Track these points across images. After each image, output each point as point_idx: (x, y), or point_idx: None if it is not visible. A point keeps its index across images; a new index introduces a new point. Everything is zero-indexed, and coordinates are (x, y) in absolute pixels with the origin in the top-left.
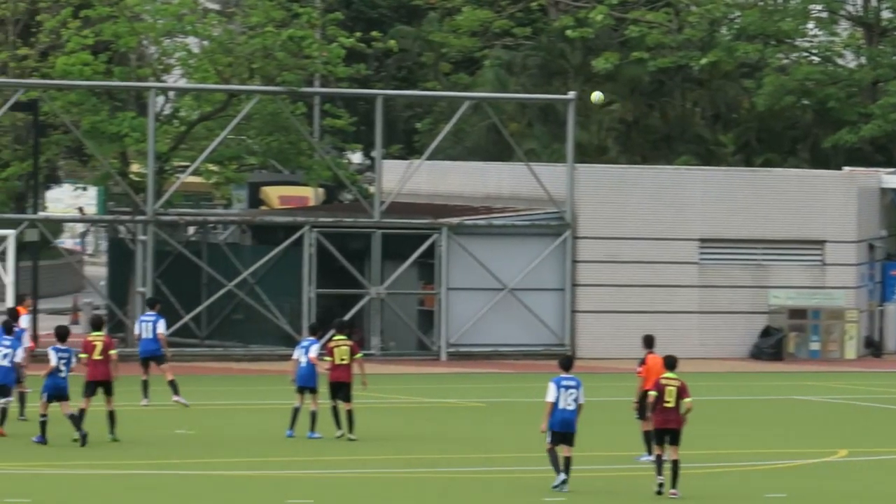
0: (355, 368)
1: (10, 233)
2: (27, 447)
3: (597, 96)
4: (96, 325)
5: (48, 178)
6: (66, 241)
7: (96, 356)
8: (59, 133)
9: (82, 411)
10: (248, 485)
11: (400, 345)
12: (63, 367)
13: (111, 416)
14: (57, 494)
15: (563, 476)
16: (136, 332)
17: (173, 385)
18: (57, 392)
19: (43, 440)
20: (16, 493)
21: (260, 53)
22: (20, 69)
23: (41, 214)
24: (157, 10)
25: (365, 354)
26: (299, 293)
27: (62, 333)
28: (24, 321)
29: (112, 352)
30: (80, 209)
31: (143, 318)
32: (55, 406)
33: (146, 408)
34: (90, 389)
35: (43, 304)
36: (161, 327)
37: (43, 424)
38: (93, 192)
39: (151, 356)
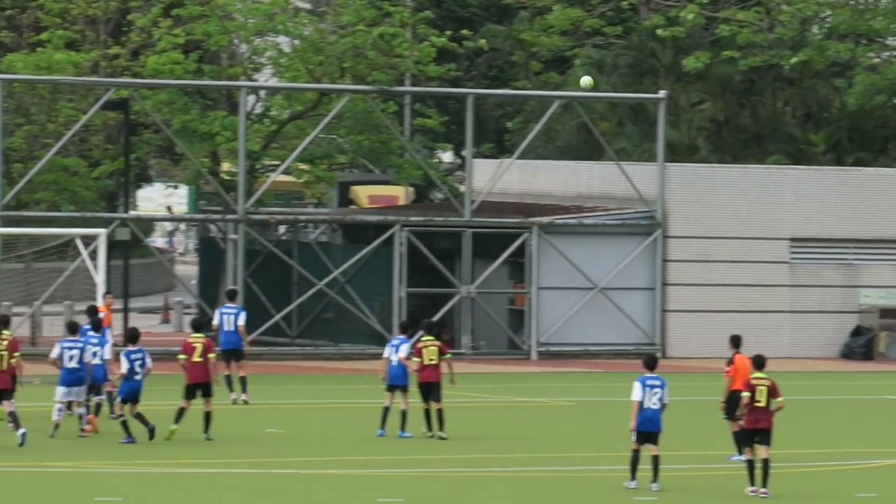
0: (444, 368)
1: (101, 231)
2: (117, 445)
3: (585, 81)
4: (197, 326)
5: (139, 177)
6: (158, 240)
7: (196, 358)
8: (149, 132)
9: (182, 411)
10: (338, 484)
11: (490, 344)
12: (138, 369)
13: (208, 416)
14: (147, 493)
15: (634, 483)
16: (216, 323)
17: (243, 382)
18: (133, 395)
19: (131, 440)
20: (106, 492)
21: (351, 52)
22: (111, 68)
23: (132, 213)
24: (249, 10)
25: (455, 354)
26: (390, 292)
27: (133, 336)
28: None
29: (211, 354)
30: (169, 208)
31: (224, 309)
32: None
33: (236, 406)
34: (190, 392)
35: (134, 303)
36: (242, 319)
37: (124, 424)
38: (184, 190)
39: (233, 349)
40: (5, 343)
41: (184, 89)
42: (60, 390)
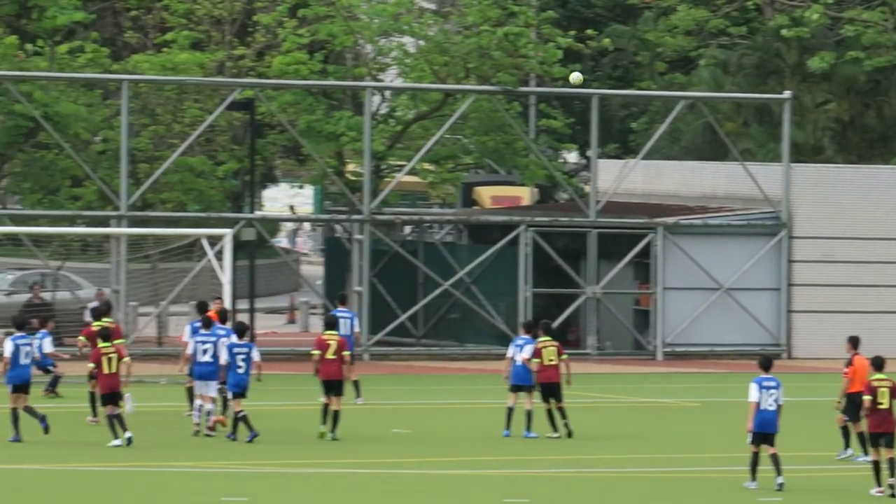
0: (562, 368)
1: (227, 232)
2: (243, 445)
3: (575, 77)
4: (330, 324)
5: (265, 178)
6: (283, 241)
7: (329, 355)
8: (275, 132)
9: (326, 406)
10: (464, 484)
11: (616, 344)
12: (241, 363)
13: (336, 416)
14: (274, 493)
15: (754, 484)
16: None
17: (356, 386)
18: (241, 389)
19: (254, 434)
20: (233, 492)
21: (476, 53)
22: (237, 69)
23: (258, 213)
24: (374, 10)
25: (581, 354)
26: (515, 292)
27: (241, 329)
28: None
29: (345, 353)
30: (291, 207)
31: (339, 314)
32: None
33: (362, 406)
34: (326, 388)
35: (260, 304)
36: (357, 324)
37: (245, 419)
38: (309, 191)
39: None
40: (113, 349)
41: (309, 90)
42: (198, 384)
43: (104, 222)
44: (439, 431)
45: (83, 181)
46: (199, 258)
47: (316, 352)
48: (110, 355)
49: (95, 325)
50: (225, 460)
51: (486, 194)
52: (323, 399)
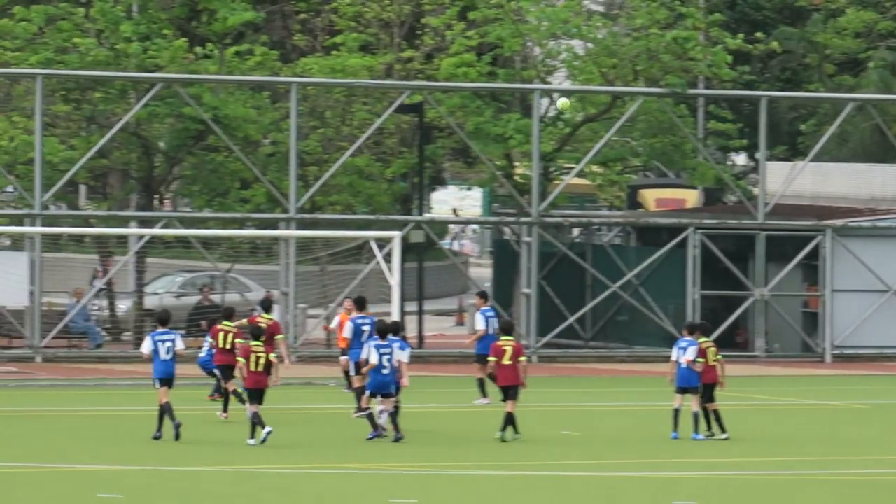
0: (717, 370)
1: (396, 234)
2: (410, 447)
3: (561, 102)
4: (506, 329)
5: (433, 180)
6: (464, 243)
7: (506, 361)
8: (443, 135)
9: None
10: (632, 486)
11: (784, 346)
12: (386, 363)
13: (509, 418)
14: (441, 495)
15: None
16: (482, 327)
17: (482, 385)
18: (382, 389)
19: (376, 434)
20: (402, 493)
21: (644, 55)
22: (405, 71)
23: (426, 216)
24: (543, 13)
25: (749, 356)
26: (683, 294)
27: (382, 329)
28: (347, 330)
29: (521, 358)
30: (454, 210)
31: (487, 313)
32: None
33: (532, 408)
34: (504, 394)
35: (428, 306)
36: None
37: (370, 417)
38: (477, 193)
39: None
40: (262, 347)
41: (477, 92)
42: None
43: (273, 225)
44: (608, 433)
45: (252, 184)
46: (368, 260)
47: (492, 358)
48: (259, 353)
49: (263, 319)
50: (394, 462)
51: (650, 196)
52: (508, 407)
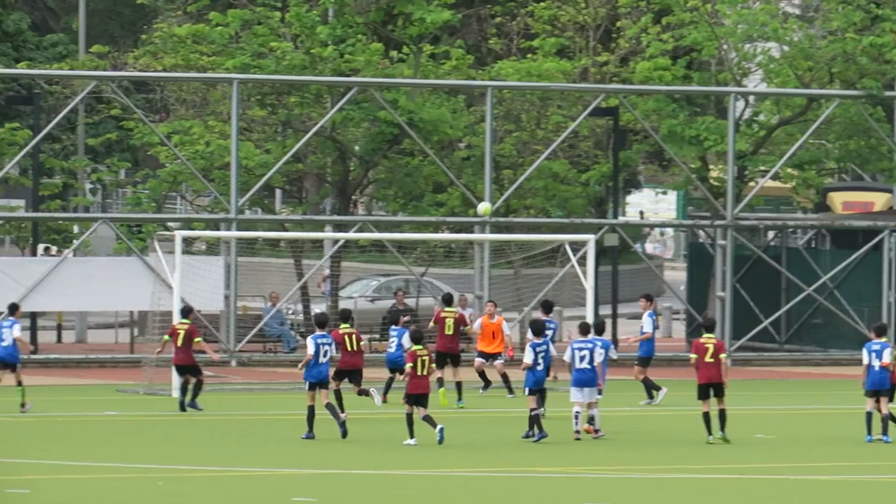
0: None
1: (591, 237)
2: (610, 449)
3: (482, 207)
4: (709, 327)
5: (628, 183)
6: (646, 246)
7: (707, 359)
8: (638, 138)
9: (706, 415)
10: (828, 488)
11: None
12: (540, 360)
13: (722, 414)
14: (634, 497)
15: None
16: (649, 329)
17: (649, 386)
18: (538, 386)
19: (543, 435)
20: (594, 496)
21: (840, 58)
22: (600, 74)
23: (621, 219)
24: (740, 16)
25: None
26: (878, 297)
27: (537, 328)
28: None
29: (722, 355)
30: (641, 213)
31: (653, 315)
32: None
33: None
34: (703, 392)
35: (623, 309)
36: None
37: (534, 419)
38: (672, 196)
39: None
40: (426, 351)
41: (672, 96)
42: (574, 392)
43: (468, 228)
44: (803, 436)
45: (447, 187)
46: (562, 264)
47: (693, 355)
48: (423, 357)
49: (447, 312)
50: (585, 465)
51: (837, 199)
52: (703, 406)
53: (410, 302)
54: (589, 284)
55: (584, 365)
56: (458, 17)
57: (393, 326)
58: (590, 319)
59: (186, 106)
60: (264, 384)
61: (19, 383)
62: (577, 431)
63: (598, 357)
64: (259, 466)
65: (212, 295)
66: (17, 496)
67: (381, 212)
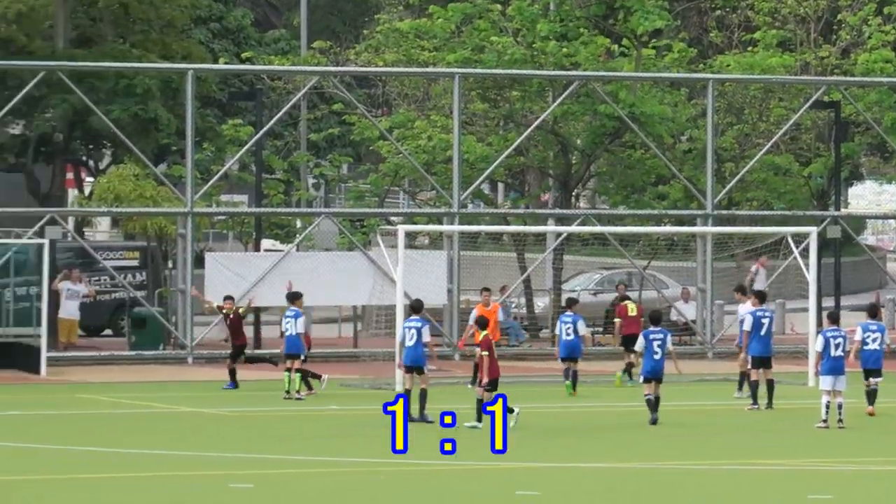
0: None
1: (812, 230)
2: (827, 442)
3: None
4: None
5: (850, 175)
6: (868, 238)
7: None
8: (860, 131)
9: None
10: None
11: None
12: (657, 349)
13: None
14: (856, 490)
15: None
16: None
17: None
18: (654, 375)
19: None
20: (819, 489)
21: None
22: (821, 67)
23: (843, 211)
24: None
25: None
26: None
27: (655, 317)
28: (747, 322)
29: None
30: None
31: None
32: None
33: None
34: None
35: (845, 301)
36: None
37: (649, 402)
38: (894, 188)
39: None
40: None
41: (894, 87)
42: (825, 380)
43: (690, 221)
44: None
45: (669, 180)
46: (785, 256)
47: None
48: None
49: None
50: (808, 457)
51: None
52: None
53: (633, 295)
54: (812, 276)
55: (839, 353)
56: (673, 23)
57: (566, 312)
58: (812, 311)
59: (408, 101)
60: None
61: (290, 370)
62: (825, 421)
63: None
64: (481, 461)
65: (435, 289)
66: (240, 491)
67: (602, 205)
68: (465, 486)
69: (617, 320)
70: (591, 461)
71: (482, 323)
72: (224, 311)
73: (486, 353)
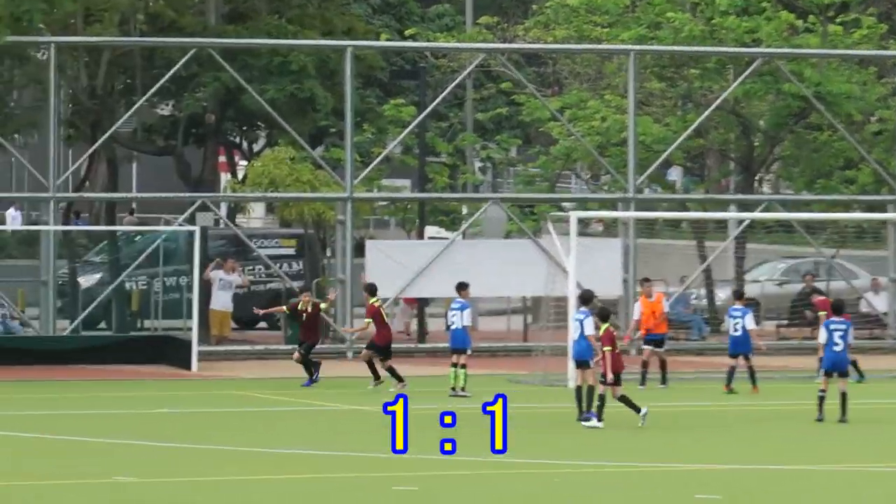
0: None
1: None
2: None
3: None
4: None
5: None
6: None
7: None
8: None
9: None
10: None
11: None
12: (838, 340)
13: None
14: None
15: None
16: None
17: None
18: (835, 367)
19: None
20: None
21: None
22: None
23: None
24: None
25: None
26: None
27: (837, 307)
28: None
29: None
30: None
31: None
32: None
33: None
34: None
35: None
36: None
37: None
38: None
39: None
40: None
41: None
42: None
43: (880, 207)
44: None
45: (857, 164)
46: None
47: None
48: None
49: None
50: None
51: None
52: None
53: (821, 285)
54: None
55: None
56: None
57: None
58: None
59: (580, 79)
60: (672, 374)
61: (456, 365)
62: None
63: None
64: (663, 461)
65: (609, 279)
66: (404, 493)
67: (787, 190)
68: (643, 487)
69: (822, 313)
70: (774, 463)
71: (603, 315)
72: (300, 305)
73: (609, 347)
